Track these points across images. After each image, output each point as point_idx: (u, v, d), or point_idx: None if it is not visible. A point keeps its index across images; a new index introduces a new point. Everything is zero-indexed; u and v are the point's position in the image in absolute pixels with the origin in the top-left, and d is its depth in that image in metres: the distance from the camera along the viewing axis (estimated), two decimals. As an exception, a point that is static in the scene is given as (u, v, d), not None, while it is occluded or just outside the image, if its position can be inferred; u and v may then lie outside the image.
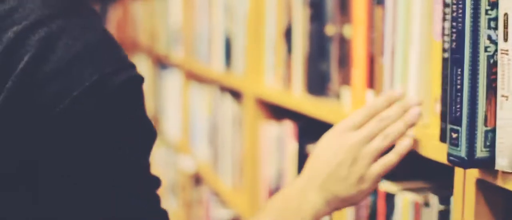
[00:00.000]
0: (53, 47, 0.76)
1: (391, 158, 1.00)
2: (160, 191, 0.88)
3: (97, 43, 0.78)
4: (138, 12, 3.77)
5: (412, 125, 1.01)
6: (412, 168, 1.14)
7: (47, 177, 0.79)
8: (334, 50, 1.37)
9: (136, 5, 3.80)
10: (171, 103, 2.93)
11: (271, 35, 1.70)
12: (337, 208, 1.01)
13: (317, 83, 1.44)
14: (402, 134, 1.00)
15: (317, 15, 1.43)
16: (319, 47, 1.43)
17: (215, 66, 2.15)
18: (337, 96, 1.36)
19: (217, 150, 2.17)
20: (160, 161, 3.16)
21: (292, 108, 1.52)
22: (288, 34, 1.59)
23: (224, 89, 2.13)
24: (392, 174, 1.06)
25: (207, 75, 2.26)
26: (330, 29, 1.38)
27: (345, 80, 1.33)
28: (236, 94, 2.00)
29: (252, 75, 1.78)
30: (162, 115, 3.17)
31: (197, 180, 2.50)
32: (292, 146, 1.56)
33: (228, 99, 2.06)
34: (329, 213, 1.00)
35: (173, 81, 2.87)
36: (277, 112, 1.72)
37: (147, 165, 0.84)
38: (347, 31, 1.32)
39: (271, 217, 0.99)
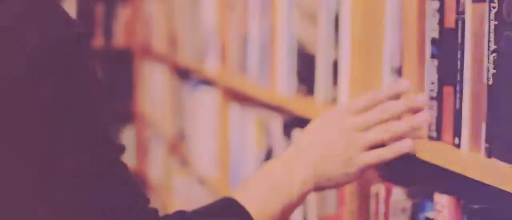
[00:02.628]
0: None
1: (385, 153, 1.00)
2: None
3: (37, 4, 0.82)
4: (152, 10, 3.41)
5: (417, 128, 1.00)
6: None
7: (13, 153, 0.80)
8: None
9: (150, 2, 3.45)
10: (201, 129, 2.44)
11: (391, 46, 1.10)
12: (322, 186, 1.03)
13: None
14: (403, 135, 1.00)
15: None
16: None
17: (277, 87, 1.61)
18: None
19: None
20: (185, 194, 2.68)
21: (453, 170, 0.93)
22: (439, 45, 0.97)
23: (290, 118, 1.60)
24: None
25: (261, 97, 1.74)
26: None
27: None
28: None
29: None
30: (188, 144, 2.65)
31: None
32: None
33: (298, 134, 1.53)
34: (315, 189, 1.02)
35: (203, 100, 2.39)
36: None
37: (106, 129, 0.84)
38: None
39: (259, 189, 0.99)
